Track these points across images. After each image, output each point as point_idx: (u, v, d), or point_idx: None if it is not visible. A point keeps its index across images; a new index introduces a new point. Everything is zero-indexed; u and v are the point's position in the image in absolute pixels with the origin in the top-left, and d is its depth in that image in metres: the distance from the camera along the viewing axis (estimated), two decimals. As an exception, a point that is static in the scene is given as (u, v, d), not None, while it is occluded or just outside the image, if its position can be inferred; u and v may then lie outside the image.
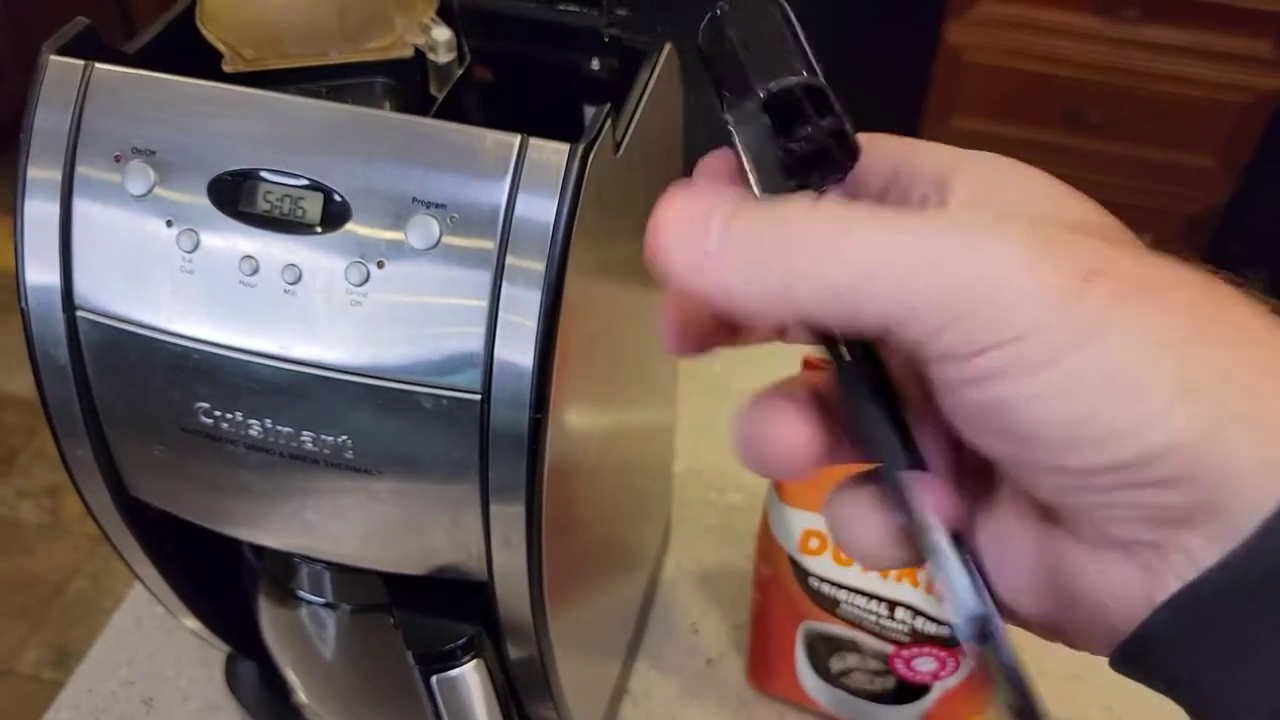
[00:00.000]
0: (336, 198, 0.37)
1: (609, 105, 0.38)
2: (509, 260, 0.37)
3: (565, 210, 0.36)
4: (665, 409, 0.69)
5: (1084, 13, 1.64)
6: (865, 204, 0.22)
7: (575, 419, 0.42)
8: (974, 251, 0.19)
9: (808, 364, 0.54)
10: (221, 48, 0.43)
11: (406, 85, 0.45)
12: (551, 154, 0.37)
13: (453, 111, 0.44)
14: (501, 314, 0.37)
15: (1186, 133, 1.71)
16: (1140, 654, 0.20)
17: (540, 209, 0.36)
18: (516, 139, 0.37)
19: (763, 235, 0.21)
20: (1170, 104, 1.68)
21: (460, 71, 0.45)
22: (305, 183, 0.38)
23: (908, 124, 1.84)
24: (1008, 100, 1.75)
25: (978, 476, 0.23)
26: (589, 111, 0.51)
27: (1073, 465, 0.19)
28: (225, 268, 0.38)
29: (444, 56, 0.45)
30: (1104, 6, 1.62)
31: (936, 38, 1.71)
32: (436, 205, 0.37)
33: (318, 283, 0.38)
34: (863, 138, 0.25)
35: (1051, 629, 0.23)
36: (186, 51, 0.43)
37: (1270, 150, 1.69)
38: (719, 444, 0.79)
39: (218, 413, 0.40)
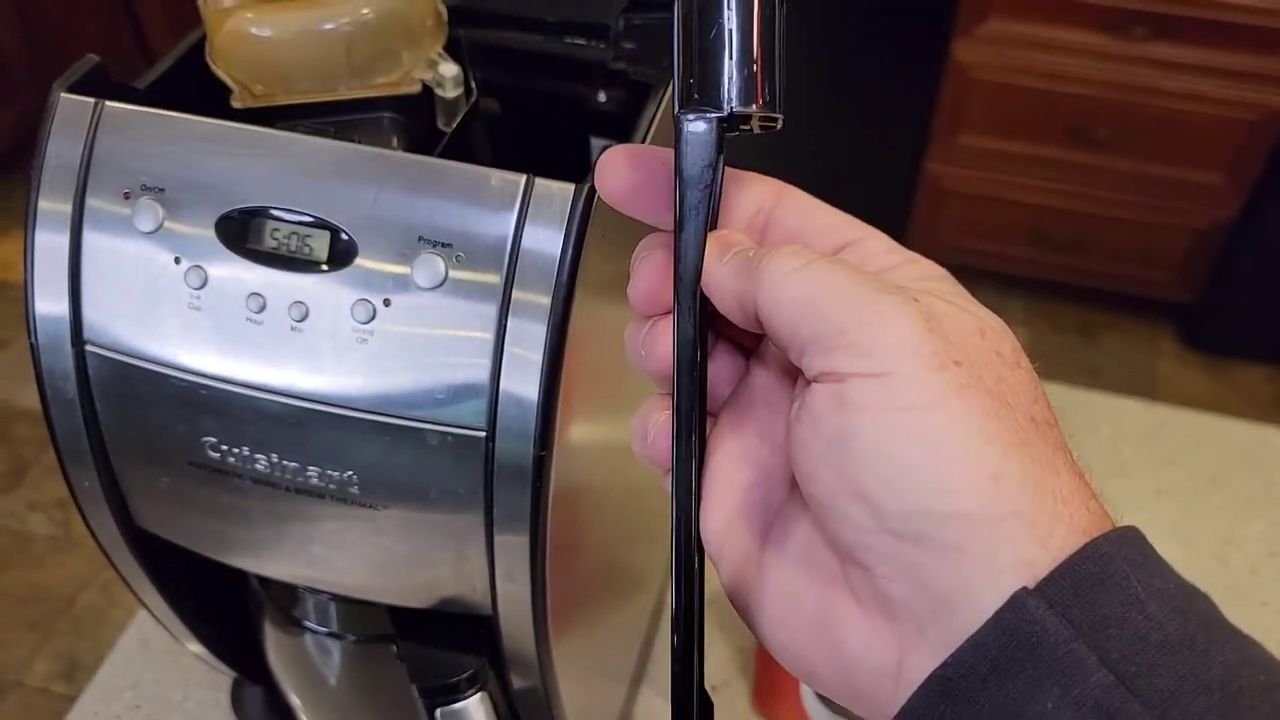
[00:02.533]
0: (343, 236, 0.38)
1: (609, 144, 0.38)
2: (515, 295, 0.37)
3: (570, 248, 0.37)
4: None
5: (1092, 31, 1.64)
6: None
7: (580, 449, 0.42)
8: (886, 302, 0.23)
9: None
10: (231, 84, 0.44)
11: (414, 120, 0.45)
12: (557, 193, 0.37)
13: (460, 146, 0.44)
14: (507, 350, 0.37)
15: (1194, 149, 1.71)
16: None
17: (546, 247, 0.37)
18: (522, 179, 0.37)
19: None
20: (1178, 121, 1.68)
21: (467, 106, 0.46)
22: (312, 220, 0.38)
23: (915, 140, 1.84)
24: (1015, 117, 1.75)
25: (780, 530, 0.27)
26: (596, 145, 0.51)
27: (882, 501, 0.22)
28: (233, 304, 0.39)
29: (451, 92, 0.45)
30: (1112, 24, 1.63)
31: (944, 55, 1.72)
32: (443, 244, 0.37)
33: (324, 320, 0.38)
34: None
35: (820, 683, 0.26)
36: (196, 87, 0.44)
37: (1278, 167, 1.69)
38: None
39: (225, 447, 0.41)
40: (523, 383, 0.37)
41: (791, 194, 0.27)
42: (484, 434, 0.38)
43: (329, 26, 0.42)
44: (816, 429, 0.23)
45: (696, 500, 0.27)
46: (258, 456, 0.40)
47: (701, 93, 0.25)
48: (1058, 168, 1.78)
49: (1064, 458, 0.23)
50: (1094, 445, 0.83)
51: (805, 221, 0.27)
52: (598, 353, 0.43)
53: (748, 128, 0.26)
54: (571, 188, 0.37)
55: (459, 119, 0.45)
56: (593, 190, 0.37)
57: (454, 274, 0.37)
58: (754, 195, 0.27)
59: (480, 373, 0.37)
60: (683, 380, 0.26)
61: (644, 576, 0.68)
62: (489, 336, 0.37)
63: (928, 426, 0.22)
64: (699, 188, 0.26)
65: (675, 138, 0.25)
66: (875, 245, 0.26)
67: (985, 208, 1.89)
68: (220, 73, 0.44)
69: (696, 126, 0.25)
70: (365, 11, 0.43)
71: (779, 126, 0.26)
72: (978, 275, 2.03)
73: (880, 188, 2.03)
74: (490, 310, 0.37)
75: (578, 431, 0.41)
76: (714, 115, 0.25)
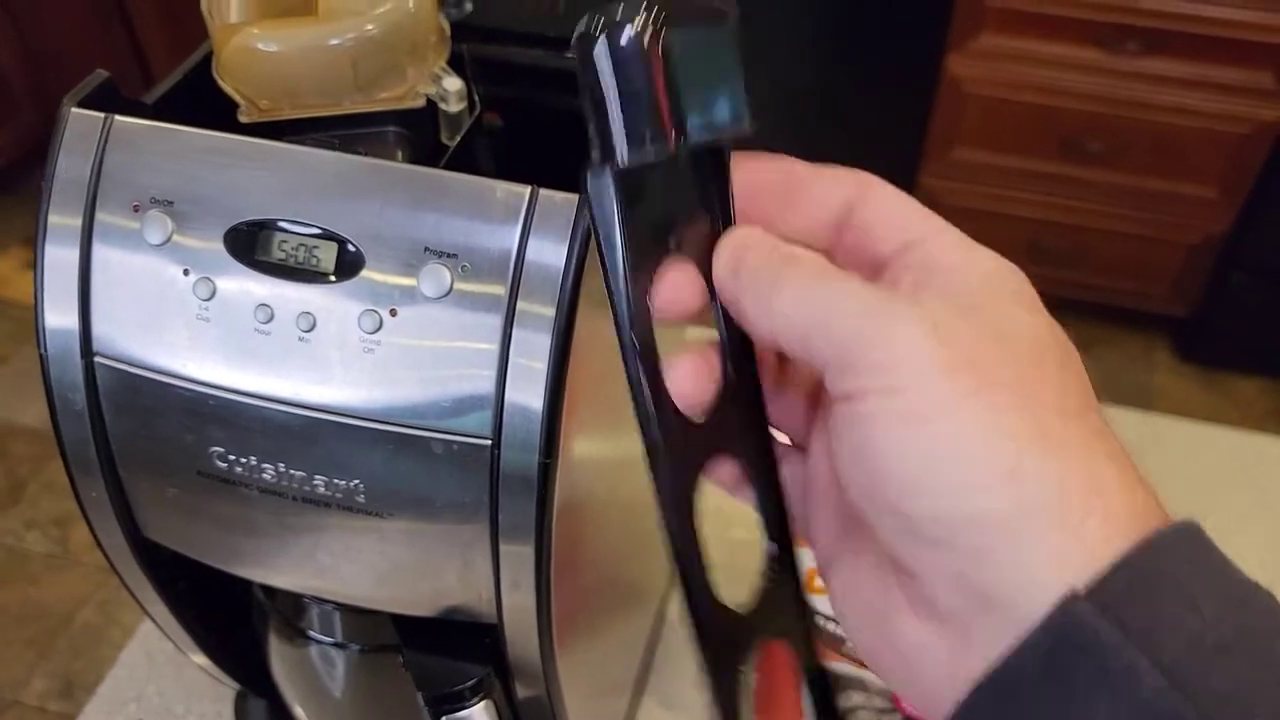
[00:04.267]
0: (350, 247, 0.38)
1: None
2: (520, 306, 0.37)
3: (575, 258, 0.37)
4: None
5: (1085, 45, 1.65)
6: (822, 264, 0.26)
7: (584, 459, 0.43)
8: (888, 315, 0.23)
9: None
10: (237, 98, 0.44)
11: (418, 134, 0.46)
12: (561, 204, 0.37)
13: (464, 160, 0.45)
14: (512, 359, 0.37)
15: (1187, 163, 1.72)
16: None
17: (550, 257, 0.37)
18: (527, 190, 0.38)
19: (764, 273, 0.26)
20: (1171, 135, 1.70)
21: (471, 120, 0.46)
22: (319, 232, 0.38)
23: (909, 155, 1.85)
24: (1009, 131, 1.76)
25: (852, 530, 0.27)
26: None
27: (907, 509, 0.23)
28: (241, 315, 0.39)
29: (455, 106, 0.46)
30: (1105, 39, 1.64)
31: (938, 70, 1.74)
32: (448, 254, 0.38)
33: (331, 330, 0.38)
34: (838, 172, 0.28)
35: (884, 672, 0.26)
36: (204, 101, 0.44)
37: (1271, 180, 1.70)
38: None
39: (232, 457, 0.41)
40: (527, 392, 0.38)
41: (874, 187, 0.27)
42: (489, 443, 0.38)
43: (335, 42, 0.43)
44: (841, 444, 0.24)
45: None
46: (265, 466, 0.41)
47: (600, 149, 0.25)
48: (1051, 182, 1.80)
49: (1104, 445, 0.23)
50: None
51: (878, 217, 0.27)
52: (602, 362, 0.44)
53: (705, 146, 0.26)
54: (575, 199, 0.37)
55: (463, 133, 0.46)
56: (596, 201, 0.37)
57: (459, 284, 0.38)
58: (841, 189, 0.27)
59: (485, 382, 0.38)
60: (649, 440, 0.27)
61: (647, 586, 0.68)
62: (494, 346, 0.37)
63: (940, 433, 0.22)
64: (606, 240, 0.26)
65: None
66: (940, 243, 0.26)
67: (979, 222, 1.89)
68: (227, 87, 0.45)
69: (596, 182, 0.26)
70: (370, 27, 0.43)
71: (749, 132, 0.26)
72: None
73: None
74: (495, 320, 0.37)
75: (582, 441, 0.42)
76: (608, 169, 0.25)
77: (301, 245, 0.39)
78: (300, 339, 0.39)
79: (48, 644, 1.62)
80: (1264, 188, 1.71)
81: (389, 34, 0.44)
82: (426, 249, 0.38)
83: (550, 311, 0.37)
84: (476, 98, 0.46)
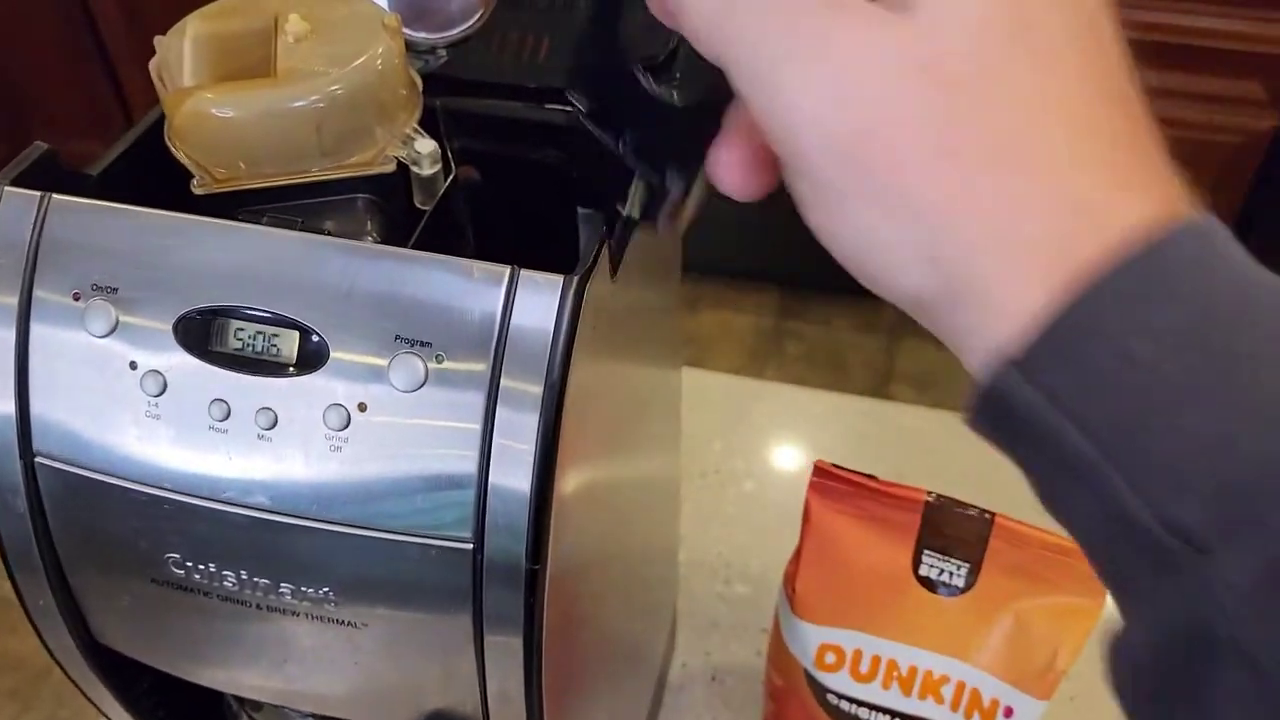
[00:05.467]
0: (313, 336, 0.35)
1: (605, 230, 0.36)
2: (501, 397, 0.34)
3: (561, 345, 0.34)
4: (669, 498, 0.66)
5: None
6: None
7: (577, 541, 0.40)
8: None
9: (819, 469, 0.51)
10: (191, 167, 0.41)
11: (390, 200, 0.43)
12: (545, 286, 0.34)
13: (439, 227, 0.41)
14: (494, 456, 0.34)
15: (1180, 173, 1.70)
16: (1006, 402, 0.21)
17: (533, 346, 0.34)
18: (506, 271, 0.34)
19: None
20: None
21: (446, 183, 0.43)
22: (279, 320, 0.35)
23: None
24: None
25: None
26: (583, 214, 0.49)
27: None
28: (194, 412, 0.35)
29: (428, 169, 0.42)
30: (1093, 53, 1.62)
31: None
32: (421, 343, 0.34)
33: (294, 427, 0.35)
34: None
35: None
36: (156, 170, 0.41)
37: (1262, 190, 1.68)
38: (723, 528, 0.76)
39: (189, 564, 0.37)
40: (512, 489, 0.34)
41: None
42: (471, 545, 0.35)
43: (297, 105, 0.40)
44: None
45: None
46: (225, 573, 0.37)
47: None
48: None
49: (1088, 145, 0.22)
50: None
51: None
52: (594, 443, 0.40)
53: None
54: (560, 280, 0.34)
55: (437, 197, 0.42)
56: (584, 280, 0.34)
57: (435, 376, 0.34)
58: None
59: (465, 480, 0.34)
60: None
61: (647, 648, 0.65)
62: (474, 442, 0.34)
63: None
64: None
65: None
66: None
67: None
68: (181, 156, 0.41)
69: None
70: (335, 87, 0.40)
71: None
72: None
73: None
74: (475, 413, 0.34)
75: (574, 524, 0.38)
76: None
77: (259, 334, 0.35)
78: (260, 437, 0.35)
79: (30, 694, 1.58)
80: (1256, 197, 1.69)
81: (355, 94, 0.40)
82: (398, 337, 0.34)
83: (536, 403, 0.33)
84: (451, 157, 0.43)
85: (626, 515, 0.52)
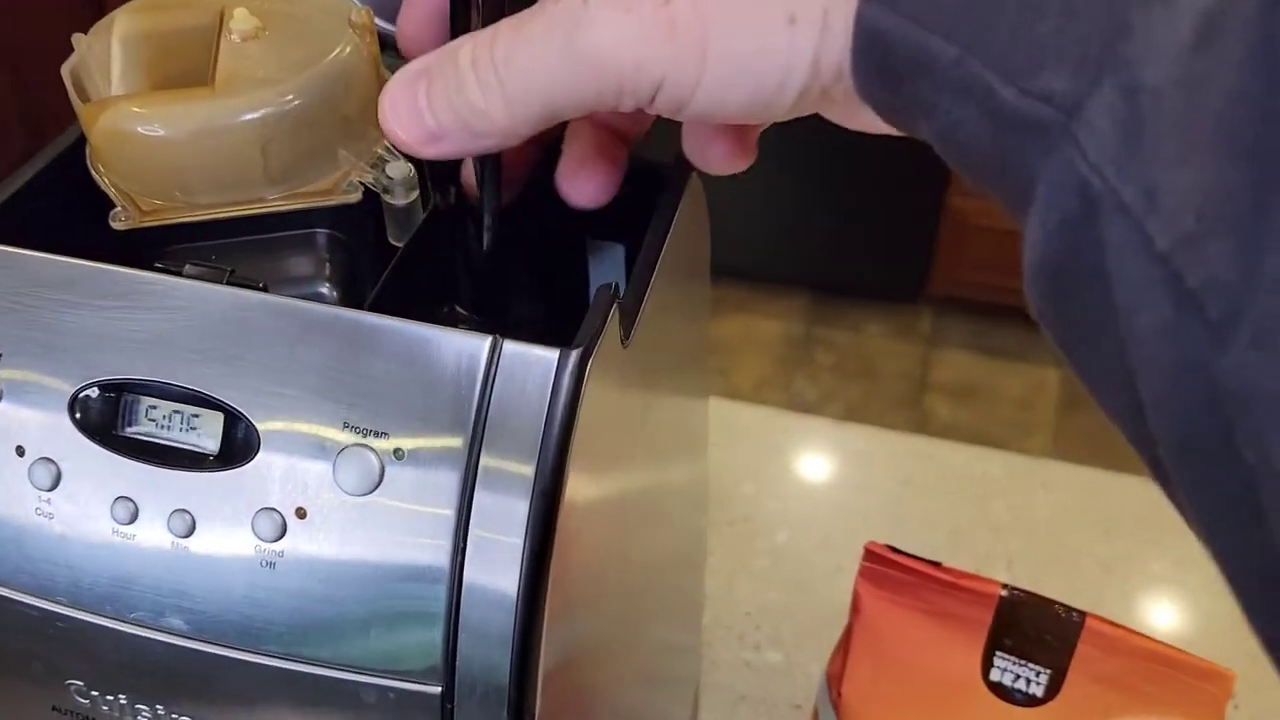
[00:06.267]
0: (241, 421, 0.27)
1: (614, 291, 0.28)
2: (475, 516, 0.26)
3: (554, 444, 0.26)
4: (693, 558, 0.58)
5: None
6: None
7: (578, 653, 0.32)
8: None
9: (871, 552, 0.43)
10: (115, 196, 0.33)
11: (358, 236, 0.35)
12: (535, 364, 0.26)
13: (412, 274, 0.34)
14: (466, 585, 0.26)
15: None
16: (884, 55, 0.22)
17: (517, 440, 0.26)
18: (486, 344, 0.27)
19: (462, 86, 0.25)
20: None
21: (426, 213, 0.35)
22: (199, 399, 0.28)
23: (937, 175, 1.75)
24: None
25: None
26: (593, 246, 0.41)
27: None
28: (94, 511, 0.28)
29: (402, 198, 0.35)
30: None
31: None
32: (376, 433, 0.27)
33: (216, 535, 0.28)
34: None
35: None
36: (76, 201, 0.33)
37: None
38: (753, 585, 0.68)
39: (95, 693, 0.30)
40: (489, 624, 0.27)
41: None
42: (438, 690, 0.27)
43: (237, 120, 0.32)
44: None
45: None
46: (139, 708, 0.30)
47: None
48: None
49: None
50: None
51: None
52: (598, 539, 0.33)
53: None
54: (554, 356, 0.26)
55: (413, 231, 0.35)
56: (586, 355, 0.26)
57: (392, 475, 0.27)
58: None
59: (432, 607, 0.27)
60: None
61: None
62: (441, 561, 0.26)
63: None
64: None
65: None
66: None
67: (1010, 243, 1.79)
68: (103, 182, 0.34)
69: None
70: (286, 99, 0.32)
71: None
72: (1004, 311, 1.93)
73: (902, 224, 1.94)
74: (443, 524, 0.26)
75: (572, 633, 0.31)
76: None
77: (175, 416, 0.28)
78: (175, 545, 0.28)
79: None
80: None
81: (311, 107, 0.33)
82: (347, 424, 0.27)
83: (519, 534, 0.26)
84: (430, 187, 0.35)
85: (641, 596, 0.44)
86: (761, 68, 0.23)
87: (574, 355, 0.26)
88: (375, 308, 0.29)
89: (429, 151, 0.26)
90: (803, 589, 0.68)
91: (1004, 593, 0.41)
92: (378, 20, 0.46)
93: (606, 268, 0.41)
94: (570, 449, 0.26)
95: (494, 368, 0.26)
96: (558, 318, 0.33)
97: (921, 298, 2.09)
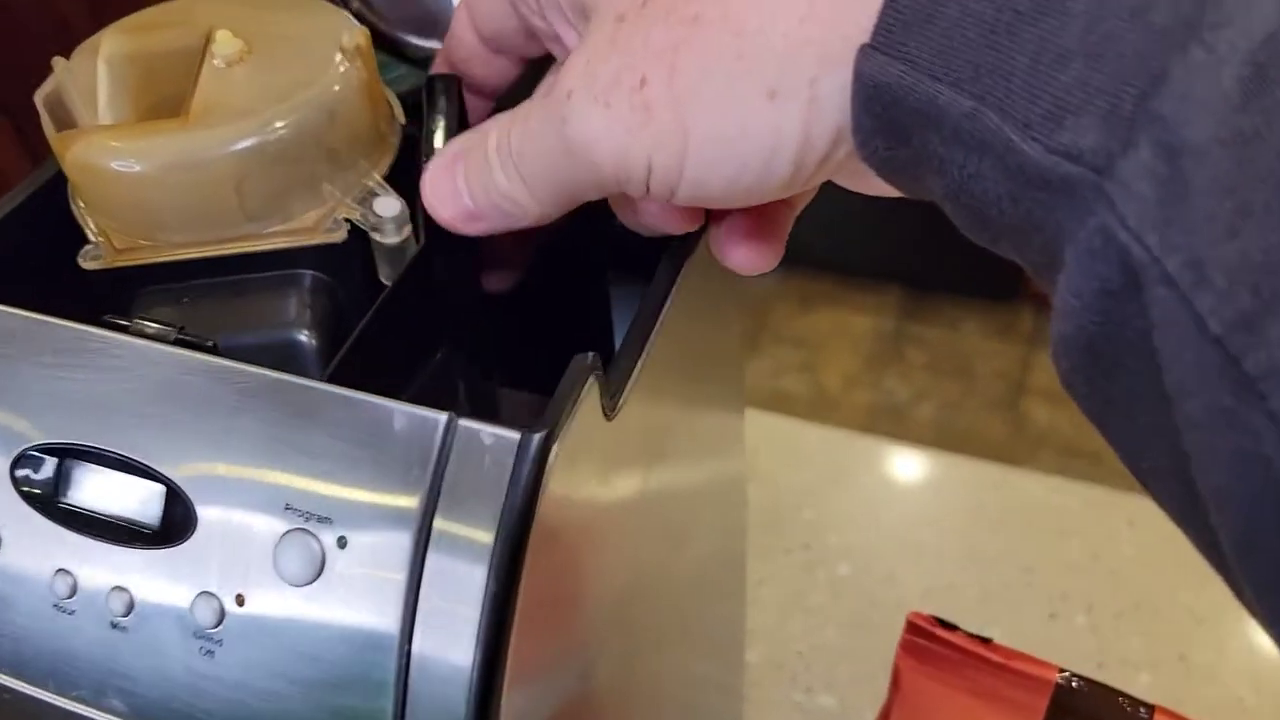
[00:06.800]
0: (181, 496, 0.25)
1: (590, 363, 0.25)
2: (424, 613, 0.24)
3: (511, 536, 0.23)
4: (728, 588, 0.55)
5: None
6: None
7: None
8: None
9: (914, 625, 0.39)
10: (92, 234, 0.32)
11: (344, 277, 0.33)
12: (493, 448, 0.23)
13: (402, 315, 0.31)
14: (411, 693, 0.24)
15: None
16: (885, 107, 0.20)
17: (472, 533, 0.23)
18: (441, 420, 0.24)
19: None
20: None
21: (417, 251, 0.32)
22: (138, 470, 0.25)
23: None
24: None
25: None
26: (623, 283, 0.38)
27: None
28: (34, 583, 0.26)
29: (393, 237, 0.32)
30: None
31: None
32: (319, 518, 0.24)
33: (155, 618, 0.25)
34: None
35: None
36: (56, 236, 0.32)
37: None
38: (808, 622, 0.64)
39: (45, 767, 0.28)
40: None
41: None
42: (389, 796, 0.25)
43: (213, 154, 0.30)
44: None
45: None
46: (87, 785, 0.28)
47: None
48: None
49: None
50: None
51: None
52: (563, 645, 0.30)
53: None
54: (516, 438, 0.23)
55: (402, 272, 0.32)
56: (551, 438, 0.23)
57: (334, 566, 0.24)
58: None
59: (378, 708, 0.24)
60: None
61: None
62: (388, 666, 0.24)
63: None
64: None
65: None
66: None
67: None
68: (81, 216, 0.32)
69: None
70: (264, 133, 0.30)
71: None
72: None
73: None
74: (389, 622, 0.24)
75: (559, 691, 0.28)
76: None
77: (118, 487, 0.26)
78: (115, 625, 0.26)
79: None
80: None
81: (291, 141, 0.30)
82: (289, 506, 0.24)
83: (469, 643, 0.23)
84: (421, 225, 0.32)
85: (650, 641, 0.41)
86: (745, 148, 0.22)
87: (536, 440, 0.23)
88: (349, 358, 0.27)
89: (471, 229, 0.27)
90: (862, 628, 0.64)
91: (1061, 679, 0.36)
92: (401, 33, 0.44)
93: (632, 302, 0.38)
94: (529, 544, 0.23)
95: (448, 450, 0.24)
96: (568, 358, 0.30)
97: (1022, 295, 2.00)
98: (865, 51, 0.19)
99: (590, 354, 0.25)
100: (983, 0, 0.18)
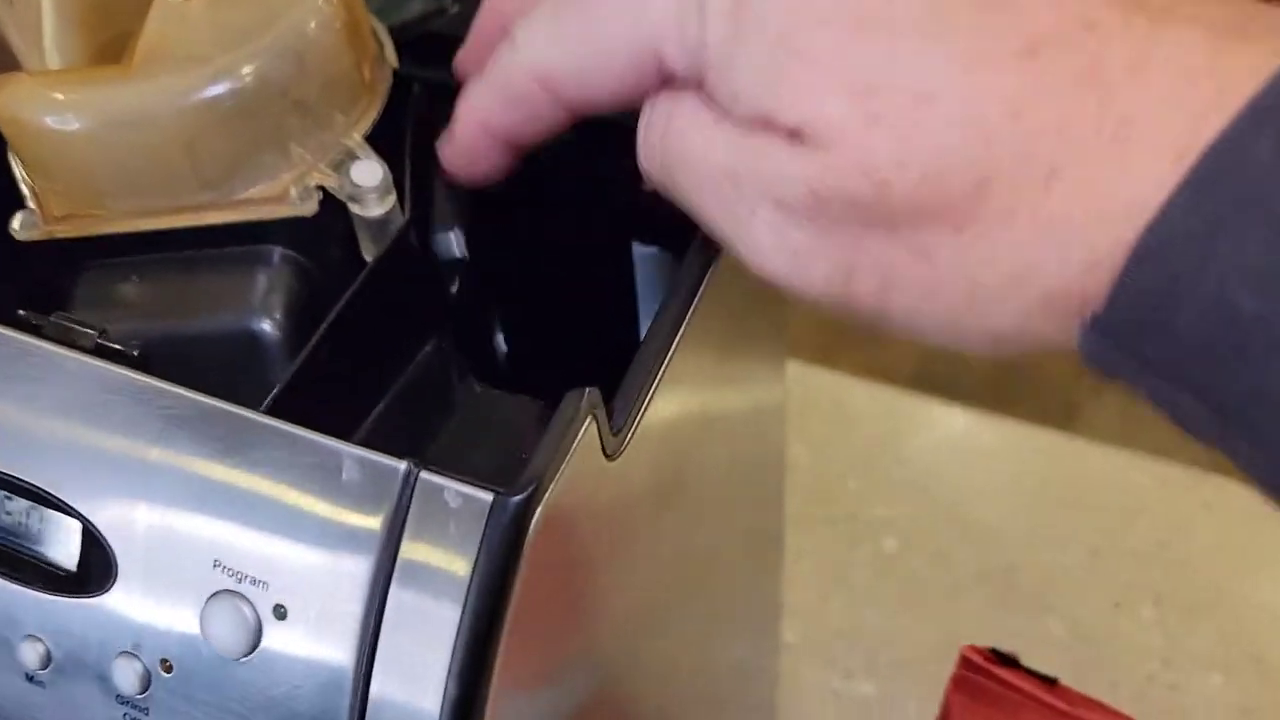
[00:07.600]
0: (100, 539, 0.21)
1: (586, 402, 0.20)
2: (376, 701, 0.19)
3: (481, 613, 0.19)
4: (765, 560, 0.50)
5: None
6: None
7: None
8: None
9: (968, 660, 0.35)
10: (30, 196, 0.27)
11: (318, 254, 0.28)
12: (460, 508, 0.19)
13: (381, 304, 0.26)
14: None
15: None
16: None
17: (430, 605, 0.19)
18: (400, 469, 0.19)
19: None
20: None
21: (404, 223, 0.28)
22: (55, 504, 0.21)
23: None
24: None
25: None
26: (644, 257, 0.33)
27: None
28: (-57, 623, 0.23)
29: (375, 209, 0.27)
30: None
31: None
32: (253, 580, 0.20)
33: (74, 676, 0.22)
34: None
35: None
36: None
37: None
38: (850, 600, 0.60)
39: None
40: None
41: None
42: None
43: (158, 108, 0.25)
44: None
45: None
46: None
47: None
48: None
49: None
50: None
51: None
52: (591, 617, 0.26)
53: None
54: (490, 499, 0.19)
55: (385, 250, 0.27)
56: (533, 501, 0.19)
57: (271, 638, 0.20)
58: None
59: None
60: None
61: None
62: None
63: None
64: None
65: None
66: None
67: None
68: (20, 176, 0.28)
69: None
70: (218, 84, 0.25)
71: None
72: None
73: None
74: (339, 707, 0.20)
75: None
76: None
77: (32, 516, 0.22)
78: (31, 679, 0.22)
79: None
80: None
81: (251, 94, 0.25)
82: (218, 564, 0.20)
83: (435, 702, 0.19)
84: (408, 193, 0.27)
85: (672, 632, 0.37)
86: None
87: (512, 505, 0.18)
88: (315, 352, 0.23)
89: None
90: (908, 610, 0.59)
91: (1134, 730, 0.32)
92: None
93: (660, 283, 0.33)
94: (508, 613, 0.19)
95: (405, 506, 0.19)
96: (587, 357, 0.25)
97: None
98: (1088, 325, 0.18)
99: (587, 390, 0.20)
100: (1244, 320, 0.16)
